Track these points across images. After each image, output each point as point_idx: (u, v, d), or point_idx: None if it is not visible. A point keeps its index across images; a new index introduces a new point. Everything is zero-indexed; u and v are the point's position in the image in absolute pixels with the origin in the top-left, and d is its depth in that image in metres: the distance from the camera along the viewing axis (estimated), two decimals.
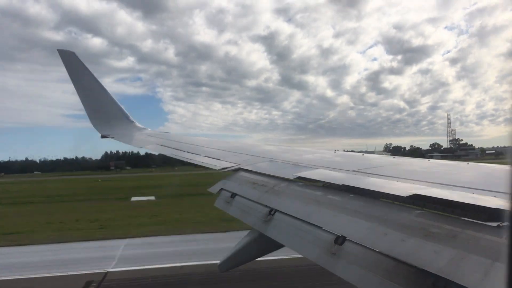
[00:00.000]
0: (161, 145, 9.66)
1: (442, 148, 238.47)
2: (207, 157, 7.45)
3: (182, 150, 8.62)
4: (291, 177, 4.74)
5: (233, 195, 5.18)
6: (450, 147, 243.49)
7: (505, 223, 2.54)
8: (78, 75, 11.32)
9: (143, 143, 10.45)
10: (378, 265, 2.65)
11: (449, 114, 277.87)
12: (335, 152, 6.36)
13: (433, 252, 2.41)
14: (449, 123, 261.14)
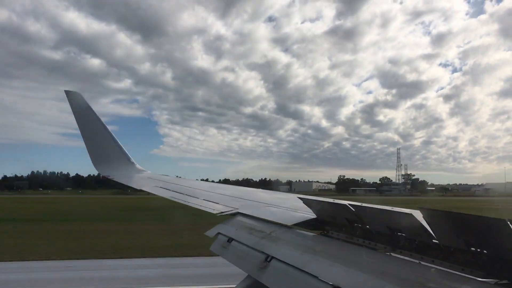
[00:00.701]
0: (160, 187, 9.68)
1: (391, 181, 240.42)
2: (206, 200, 7.43)
3: (180, 193, 8.62)
4: None
5: (230, 239, 5.11)
6: (397, 181, 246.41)
7: (504, 281, 2.50)
8: (82, 116, 11.56)
9: (142, 185, 10.48)
10: None
11: (399, 149, 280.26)
12: None
13: None
14: (398, 157, 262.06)
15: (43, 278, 23.55)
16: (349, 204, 4.14)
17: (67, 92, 11.50)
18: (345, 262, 3.37)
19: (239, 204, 6.57)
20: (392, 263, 3.09)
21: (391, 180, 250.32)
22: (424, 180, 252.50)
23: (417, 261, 3.07)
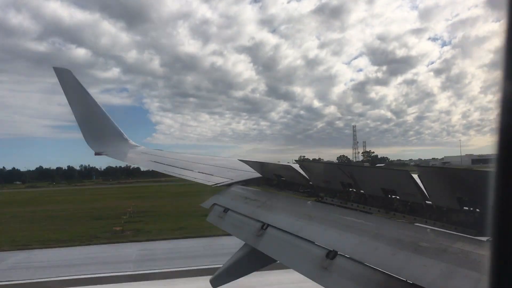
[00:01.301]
0: (154, 161, 9.66)
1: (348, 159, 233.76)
2: (200, 172, 7.45)
3: (174, 166, 8.62)
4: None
5: (226, 210, 5.16)
6: (356, 160, 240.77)
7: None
8: (73, 93, 11.34)
9: (136, 160, 10.45)
10: (369, 279, 2.64)
11: (355, 127, 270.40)
12: None
13: (423, 266, 2.40)
14: (354, 135, 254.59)
15: None
16: (301, 164, 4.36)
17: (56, 69, 11.22)
18: (340, 226, 3.41)
19: (233, 174, 6.59)
20: (386, 225, 3.13)
21: (349, 158, 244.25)
22: (385, 157, 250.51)
23: (410, 222, 3.11)
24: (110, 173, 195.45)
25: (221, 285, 4.70)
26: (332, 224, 3.52)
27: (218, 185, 6.18)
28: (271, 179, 5.51)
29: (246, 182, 5.92)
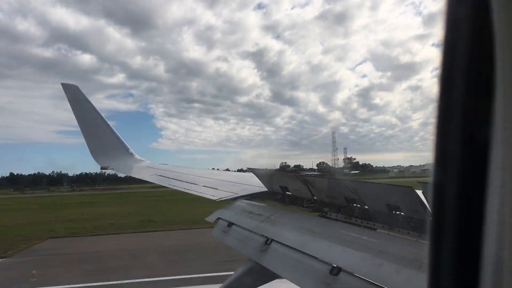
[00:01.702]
0: (159, 175, 9.70)
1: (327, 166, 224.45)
2: (205, 187, 7.46)
3: (180, 180, 8.64)
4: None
5: (230, 224, 5.15)
6: (333, 165, 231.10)
7: None
8: (80, 108, 11.52)
9: (141, 174, 10.50)
10: None
11: (334, 133, 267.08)
12: None
13: (426, 284, 2.38)
14: (334, 141, 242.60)
15: None
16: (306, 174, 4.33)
17: (64, 85, 11.43)
18: (344, 242, 3.39)
19: (238, 189, 6.59)
20: (390, 242, 3.11)
21: (328, 164, 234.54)
22: (368, 163, 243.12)
23: (415, 239, 3.09)
24: (82, 179, 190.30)
25: None
26: (336, 240, 3.50)
27: (222, 199, 6.18)
28: (276, 193, 5.50)
29: (251, 197, 5.93)
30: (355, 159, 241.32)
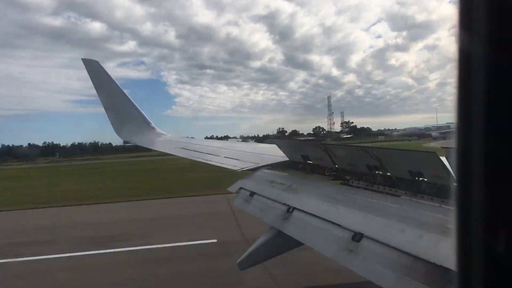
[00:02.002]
0: (181, 148, 9.85)
1: (322, 133, 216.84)
2: (227, 158, 7.54)
3: (201, 152, 8.76)
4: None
5: (252, 193, 5.23)
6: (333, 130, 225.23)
7: None
8: (101, 83, 11.64)
9: (163, 147, 10.68)
10: (396, 262, 2.63)
11: (329, 97, 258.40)
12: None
13: (451, 248, 2.37)
14: (329, 105, 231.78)
15: None
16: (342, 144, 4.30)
17: (84, 60, 11.53)
18: (366, 209, 3.40)
19: (259, 159, 6.63)
20: (412, 208, 3.09)
21: (324, 129, 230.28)
22: (367, 127, 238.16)
23: (438, 205, 3.07)
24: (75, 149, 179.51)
25: (248, 267, 4.79)
26: (358, 207, 3.51)
27: (244, 169, 6.25)
28: (297, 162, 5.52)
29: (272, 166, 5.97)
30: (352, 122, 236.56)
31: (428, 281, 2.36)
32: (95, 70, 11.57)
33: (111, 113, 11.68)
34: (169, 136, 12.26)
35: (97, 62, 11.67)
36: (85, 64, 11.47)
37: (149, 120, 12.46)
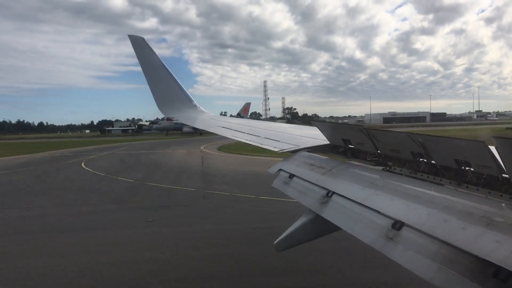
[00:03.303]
0: (222, 127, 9.98)
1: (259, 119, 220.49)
2: (267, 138, 7.57)
3: (242, 132, 8.84)
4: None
5: (291, 176, 5.25)
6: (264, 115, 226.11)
7: None
8: (146, 60, 11.88)
9: (205, 125, 10.86)
10: (437, 252, 2.60)
11: (265, 81, 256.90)
12: None
13: (495, 242, 2.31)
14: (265, 90, 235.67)
15: None
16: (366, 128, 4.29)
17: (131, 37, 11.78)
18: (407, 196, 3.34)
19: (299, 141, 6.62)
20: (457, 198, 3.01)
21: (260, 114, 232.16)
22: (313, 115, 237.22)
23: (484, 196, 2.97)
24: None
25: (285, 249, 4.86)
26: (399, 195, 3.45)
27: (284, 151, 6.26)
28: (338, 146, 5.46)
29: (312, 149, 5.94)
30: (295, 109, 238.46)
31: (469, 274, 2.32)
32: (141, 47, 11.81)
33: (155, 89, 11.95)
34: (210, 114, 12.44)
35: (142, 39, 11.90)
36: (131, 41, 11.72)
37: (192, 98, 12.68)
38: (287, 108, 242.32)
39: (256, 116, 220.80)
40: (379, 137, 4.36)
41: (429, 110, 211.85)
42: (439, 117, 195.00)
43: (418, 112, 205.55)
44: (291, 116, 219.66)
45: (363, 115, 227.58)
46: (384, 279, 9.31)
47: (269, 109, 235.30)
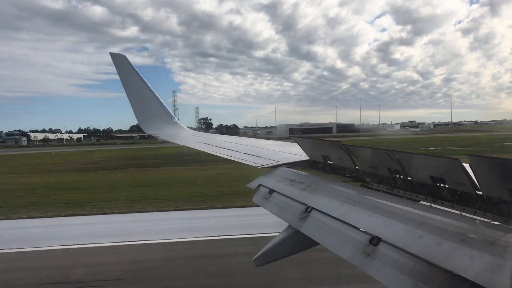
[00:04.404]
0: (203, 143, 9.97)
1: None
2: (247, 154, 7.59)
3: (222, 148, 8.84)
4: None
5: (271, 191, 5.24)
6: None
7: None
8: (127, 77, 11.87)
9: (186, 142, 10.83)
10: (413, 268, 2.61)
11: (174, 91, 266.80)
12: None
13: (469, 257, 2.34)
14: (174, 100, 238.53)
15: None
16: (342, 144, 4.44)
17: (112, 54, 11.78)
18: (385, 212, 3.37)
19: (279, 157, 6.64)
20: (432, 214, 3.05)
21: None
22: (232, 125, 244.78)
23: (459, 212, 3.02)
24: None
25: (264, 264, 4.81)
26: (377, 210, 3.48)
27: (264, 166, 6.27)
28: (317, 162, 5.50)
29: (292, 165, 5.97)
30: (210, 119, 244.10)
31: None
32: (122, 64, 11.80)
33: (136, 106, 11.90)
34: (191, 131, 12.43)
35: (124, 57, 11.90)
36: (112, 58, 11.71)
37: (172, 115, 12.65)
38: (202, 118, 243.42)
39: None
40: (357, 154, 4.41)
41: (335, 121, 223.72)
42: (347, 128, 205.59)
43: (325, 124, 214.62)
44: (206, 126, 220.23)
45: (275, 125, 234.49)
46: None
47: (179, 119, 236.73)
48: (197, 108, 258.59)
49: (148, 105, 12.12)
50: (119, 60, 11.81)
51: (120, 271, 13.30)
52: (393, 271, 2.71)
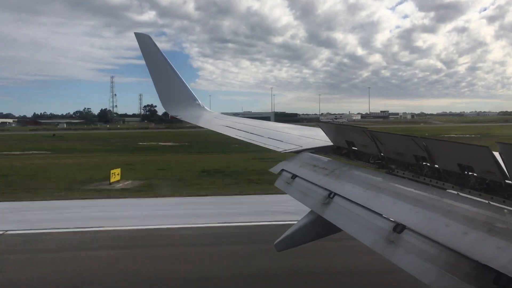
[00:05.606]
0: (226, 126, 9.98)
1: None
2: (271, 138, 7.58)
3: (245, 131, 8.85)
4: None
5: (294, 176, 5.25)
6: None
7: None
8: (152, 58, 11.90)
9: (209, 124, 10.86)
10: (438, 257, 2.59)
11: (113, 77, 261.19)
12: None
13: (496, 248, 2.31)
14: (112, 87, 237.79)
15: None
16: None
17: (137, 34, 11.81)
18: (410, 200, 3.33)
19: (303, 142, 6.62)
20: (459, 202, 3.00)
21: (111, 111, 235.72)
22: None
23: (487, 201, 2.96)
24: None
25: (285, 249, 4.86)
26: (402, 198, 3.45)
27: (287, 151, 6.27)
28: (341, 148, 5.46)
29: (315, 150, 5.94)
30: (155, 106, 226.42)
31: (469, 280, 2.32)
32: (146, 45, 11.83)
33: (160, 87, 11.96)
34: (215, 113, 12.45)
35: (149, 37, 11.92)
36: (137, 38, 11.74)
37: (196, 96, 12.69)
38: (148, 105, 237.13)
39: (104, 112, 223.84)
40: (382, 140, 4.35)
41: (274, 111, 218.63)
42: (289, 118, 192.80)
43: (262, 113, 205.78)
44: (150, 114, 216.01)
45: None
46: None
47: (116, 105, 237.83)
48: (140, 95, 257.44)
49: (171, 86, 12.17)
50: (143, 40, 11.84)
51: None
52: (418, 259, 2.70)
